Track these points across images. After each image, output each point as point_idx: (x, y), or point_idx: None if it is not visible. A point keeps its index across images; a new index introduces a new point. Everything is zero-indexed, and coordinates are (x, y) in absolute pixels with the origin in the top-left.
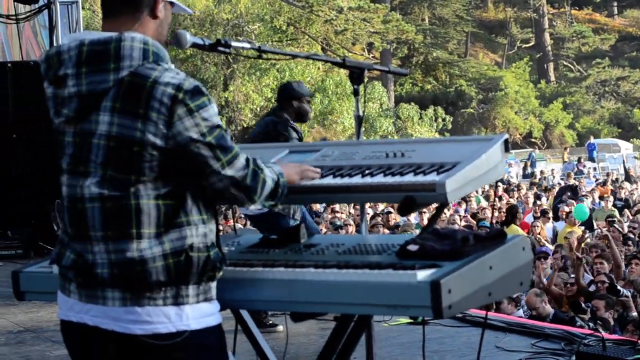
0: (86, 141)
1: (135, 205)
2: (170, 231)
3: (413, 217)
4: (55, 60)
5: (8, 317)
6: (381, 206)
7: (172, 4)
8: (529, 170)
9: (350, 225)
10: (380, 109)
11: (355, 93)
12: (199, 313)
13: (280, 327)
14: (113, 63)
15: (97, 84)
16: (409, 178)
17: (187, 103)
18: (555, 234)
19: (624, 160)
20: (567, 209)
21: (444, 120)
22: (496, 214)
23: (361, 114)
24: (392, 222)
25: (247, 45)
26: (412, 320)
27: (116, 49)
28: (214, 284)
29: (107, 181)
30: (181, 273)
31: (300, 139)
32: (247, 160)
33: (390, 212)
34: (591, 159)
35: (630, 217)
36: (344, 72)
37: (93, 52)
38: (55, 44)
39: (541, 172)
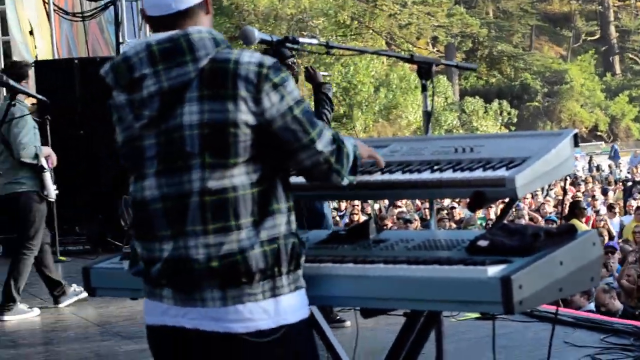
0: (176, 136)
1: (233, 198)
2: (265, 219)
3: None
4: (124, 67)
5: (77, 313)
6: (447, 201)
7: None
8: (595, 163)
9: (416, 220)
10: (445, 103)
11: (424, 88)
12: (293, 306)
13: (348, 322)
14: (189, 55)
15: (178, 77)
16: (479, 173)
17: (271, 78)
18: (622, 228)
19: None
20: (634, 203)
21: (509, 113)
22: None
23: (429, 109)
24: (457, 217)
25: (315, 42)
26: (479, 316)
27: (187, 42)
28: (301, 272)
29: (208, 170)
30: (276, 261)
31: None
32: (333, 135)
33: (455, 208)
34: None
35: None
36: (408, 67)
37: (165, 50)
38: (121, 40)
39: (609, 165)
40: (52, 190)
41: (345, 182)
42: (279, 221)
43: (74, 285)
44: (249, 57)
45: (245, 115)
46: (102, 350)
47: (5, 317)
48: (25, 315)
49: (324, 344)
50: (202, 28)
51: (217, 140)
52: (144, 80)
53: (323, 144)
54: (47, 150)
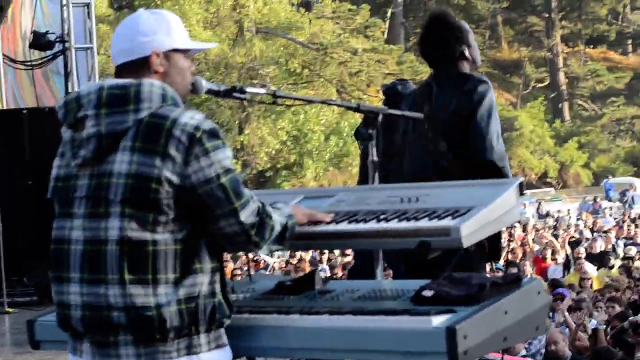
0: (104, 182)
1: (152, 251)
2: (185, 278)
3: None
4: (74, 105)
5: None
6: None
7: (183, 50)
8: (544, 210)
9: None
10: None
11: (370, 138)
12: None
13: None
14: (133, 105)
15: (116, 124)
16: (424, 223)
17: (204, 143)
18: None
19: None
20: (582, 250)
21: None
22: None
23: (376, 159)
24: None
25: (262, 91)
26: None
27: (136, 92)
28: (223, 330)
29: (127, 221)
30: (192, 320)
31: None
32: (258, 207)
33: None
34: (608, 198)
35: None
36: (359, 115)
37: (113, 95)
38: (70, 90)
39: (558, 211)
40: None
41: (263, 252)
42: (200, 280)
43: None
44: (188, 119)
45: (170, 174)
46: None
47: None
48: None
49: None
50: (156, 82)
51: (139, 193)
52: (85, 120)
53: (245, 215)
54: None
